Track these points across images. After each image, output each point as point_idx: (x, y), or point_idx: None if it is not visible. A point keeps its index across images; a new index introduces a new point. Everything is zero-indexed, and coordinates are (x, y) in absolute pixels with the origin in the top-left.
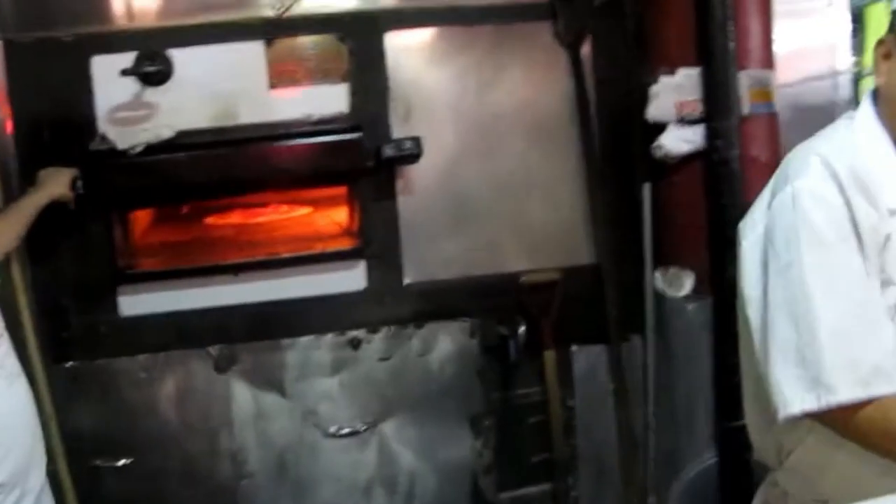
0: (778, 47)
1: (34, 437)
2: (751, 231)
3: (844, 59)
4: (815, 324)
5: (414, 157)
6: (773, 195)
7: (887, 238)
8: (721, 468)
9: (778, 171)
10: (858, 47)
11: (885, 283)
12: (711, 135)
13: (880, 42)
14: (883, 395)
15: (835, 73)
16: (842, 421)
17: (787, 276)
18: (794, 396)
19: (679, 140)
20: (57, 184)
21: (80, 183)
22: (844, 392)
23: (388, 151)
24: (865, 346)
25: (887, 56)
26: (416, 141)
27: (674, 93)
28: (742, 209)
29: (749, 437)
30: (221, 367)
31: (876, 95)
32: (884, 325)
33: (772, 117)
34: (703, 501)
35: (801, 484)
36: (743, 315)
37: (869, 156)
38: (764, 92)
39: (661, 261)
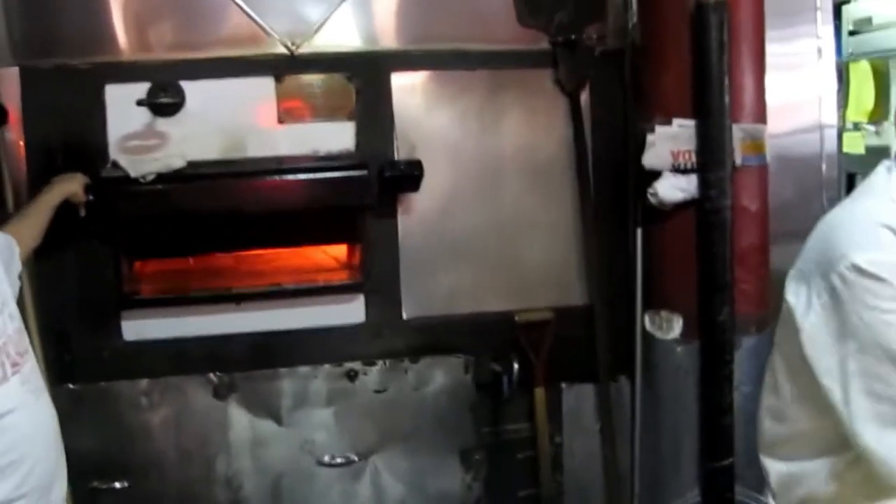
0: (768, 99)
1: (58, 451)
2: (811, 308)
3: (830, 113)
4: None
5: (414, 179)
6: (830, 269)
7: None
8: None
9: (824, 240)
10: (842, 102)
11: None
12: (704, 184)
13: None
14: None
15: (821, 126)
16: None
17: (873, 350)
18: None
19: (673, 188)
20: (70, 181)
21: (90, 193)
22: None
23: (388, 172)
24: None
25: None
26: (416, 164)
27: (669, 142)
28: (731, 256)
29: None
30: (220, 393)
31: None
32: None
33: (762, 169)
34: None
35: None
36: (811, 380)
37: None
38: (756, 144)
39: (652, 304)
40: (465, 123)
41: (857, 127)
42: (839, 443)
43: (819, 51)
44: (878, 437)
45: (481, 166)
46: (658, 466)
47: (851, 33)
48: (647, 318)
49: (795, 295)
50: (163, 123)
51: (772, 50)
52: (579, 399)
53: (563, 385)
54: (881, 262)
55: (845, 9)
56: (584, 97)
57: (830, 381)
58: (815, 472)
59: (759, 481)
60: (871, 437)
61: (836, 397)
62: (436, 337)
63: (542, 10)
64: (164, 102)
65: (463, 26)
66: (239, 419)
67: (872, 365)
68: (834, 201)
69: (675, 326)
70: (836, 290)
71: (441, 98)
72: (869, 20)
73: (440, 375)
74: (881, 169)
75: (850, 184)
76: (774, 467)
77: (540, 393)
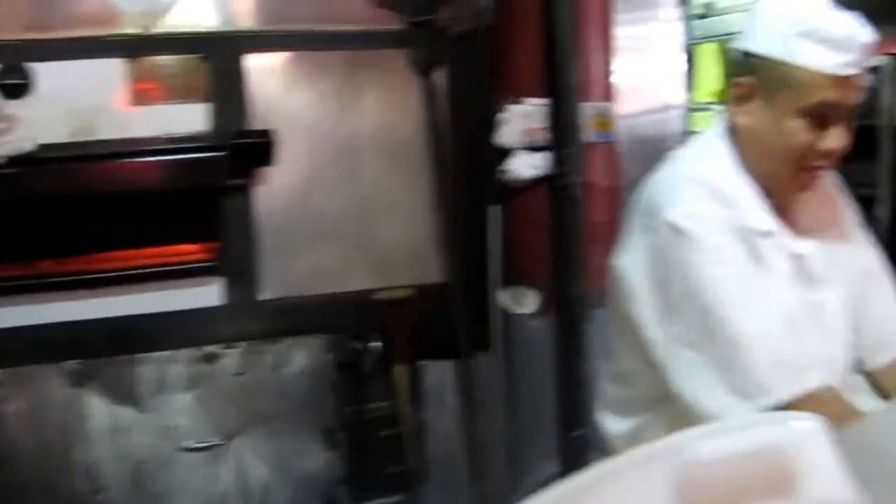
0: (618, 80)
1: None
2: (634, 264)
3: (678, 94)
4: (733, 336)
5: (265, 149)
6: (652, 224)
7: (758, 256)
8: (565, 476)
9: (644, 201)
10: (690, 83)
11: None
12: (556, 161)
13: (736, 83)
14: (814, 387)
15: (669, 107)
16: None
17: (695, 300)
18: (734, 406)
19: (526, 165)
20: None
21: None
22: (781, 391)
23: (237, 140)
24: (785, 344)
25: (746, 97)
26: (266, 132)
27: (522, 120)
28: (583, 231)
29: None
30: (76, 381)
31: (730, 132)
32: (798, 325)
33: (611, 145)
34: None
35: None
36: (636, 334)
37: (732, 185)
38: (604, 122)
39: (508, 280)
40: (322, 104)
41: (704, 107)
42: (670, 392)
43: (666, 34)
44: (691, 384)
45: (340, 147)
46: (519, 439)
47: (699, 17)
48: (503, 294)
49: (618, 255)
50: (11, 106)
51: (622, 33)
52: (440, 376)
53: (424, 363)
54: (693, 216)
55: None
56: (441, 77)
57: (653, 333)
58: (652, 423)
59: None
60: (687, 385)
61: (657, 348)
62: (296, 317)
63: None
64: (12, 84)
65: (318, 6)
66: (97, 407)
67: (689, 316)
68: None
69: (531, 301)
70: (652, 244)
71: (297, 79)
72: (714, 4)
73: (301, 356)
74: (706, 132)
75: None
76: (614, 425)
77: (400, 370)
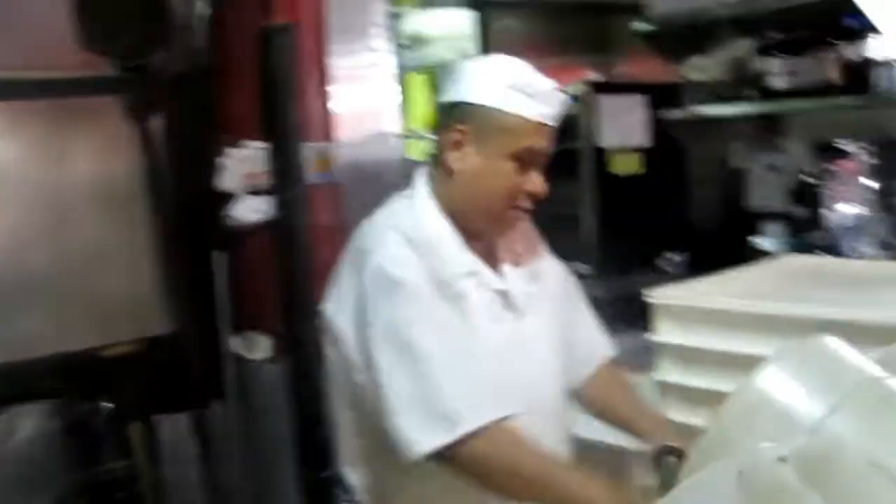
0: (338, 110)
1: None
2: (341, 307)
3: (393, 122)
4: (426, 369)
5: None
6: (358, 269)
7: (461, 296)
8: None
9: (352, 247)
10: (403, 111)
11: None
12: (280, 204)
13: (450, 131)
14: (501, 416)
15: (386, 135)
16: (464, 454)
17: (390, 333)
18: (422, 437)
19: (249, 210)
20: None
21: None
22: (469, 419)
23: None
24: (474, 376)
25: (460, 144)
26: None
27: (242, 164)
28: (310, 273)
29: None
30: None
31: (432, 174)
32: (503, 356)
33: (333, 185)
34: None
35: None
36: (350, 381)
37: (435, 231)
38: (324, 161)
39: (239, 326)
40: (29, 157)
41: (418, 135)
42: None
43: (378, 63)
44: (394, 422)
45: (52, 200)
46: (261, 484)
47: (406, 47)
48: (235, 341)
49: (328, 300)
50: None
51: (339, 63)
52: (176, 428)
53: (159, 417)
54: (395, 260)
55: (398, 24)
56: (158, 122)
57: (360, 376)
58: (385, 472)
59: None
60: (391, 423)
61: (369, 392)
62: (19, 383)
63: (107, 33)
64: None
65: (19, 53)
66: None
67: (389, 355)
68: None
69: (263, 346)
70: (357, 288)
71: (1, 131)
72: (419, 35)
73: (26, 424)
74: (398, 197)
75: None
76: (354, 477)
77: (136, 428)
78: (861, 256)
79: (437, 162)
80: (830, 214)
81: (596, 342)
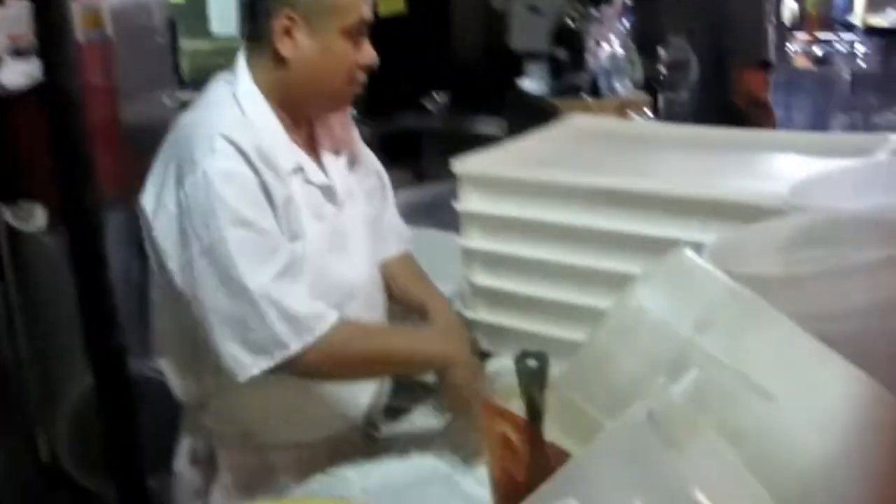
0: None
1: None
2: (161, 211)
3: None
4: (249, 294)
5: None
6: (181, 177)
7: (289, 199)
8: (100, 390)
9: (176, 148)
10: None
11: (293, 237)
12: (48, 66)
13: (274, 17)
14: (324, 334)
15: None
16: (301, 367)
17: (213, 256)
18: (249, 361)
19: (15, 73)
20: None
21: None
22: (294, 344)
23: None
24: (298, 298)
25: (288, 32)
26: None
27: (6, 24)
28: (86, 138)
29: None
30: None
31: (253, 62)
32: (304, 267)
33: (106, 44)
34: (86, 424)
35: (228, 420)
36: (168, 284)
37: (262, 127)
38: (96, 18)
39: (11, 197)
40: None
41: None
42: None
43: None
44: (214, 338)
45: None
46: (49, 360)
47: None
48: (7, 212)
49: (147, 198)
50: None
51: None
52: None
53: None
54: (221, 172)
55: None
56: None
57: (181, 284)
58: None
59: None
60: (211, 338)
61: (193, 307)
62: None
63: None
64: None
65: None
66: None
67: (207, 272)
68: None
69: (38, 217)
70: (179, 197)
71: None
72: None
73: None
74: (220, 83)
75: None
76: (180, 388)
77: None
78: (618, 95)
79: (259, 50)
80: (591, 56)
81: (395, 230)
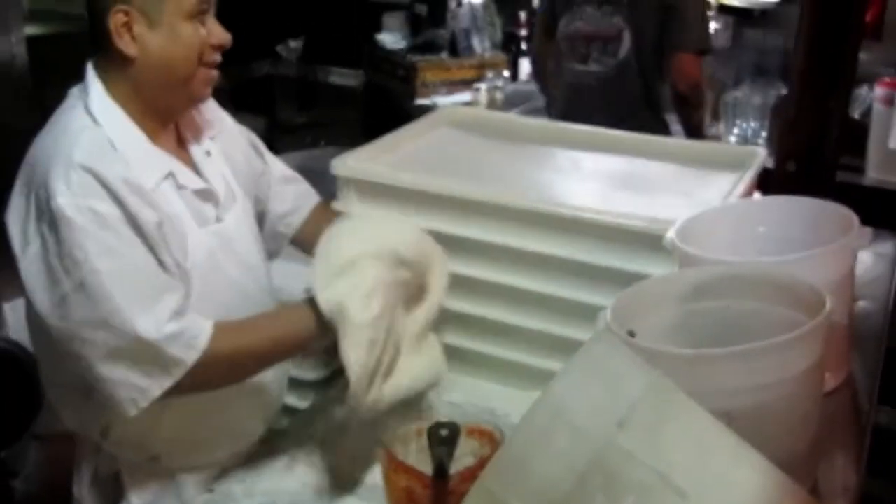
0: None
1: None
2: (28, 247)
3: None
4: (128, 324)
5: None
6: (40, 212)
7: (160, 222)
8: None
9: (34, 180)
10: None
11: (177, 254)
12: None
13: (108, 13)
14: (209, 340)
15: None
16: (188, 384)
17: (87, 291)
18: (131, 393)
19: None
20: None
21: None
22: (187, 359)
23: None
24: (176, 320)
25: (127, 27)
26: None
27: None
28: None
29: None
30: None
31: (101, 68)
32: (181, 284)
33: None
34: None
35: (132, 447)
36: (41, 325)
37: (120, 141)
38: None
39: None
40: None
41: None
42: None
43: None
44: (101, 374)
45: None
46: None
47: None
48: None
49: (13, 228)
50: None
51: None
52: None
53: None
54: (81, 208)
55: None
56: None
57: (57, 322)
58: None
59: None
60: (97, 375)
61: (60, 337)
62: None
63: None
64: None
65: None
66: None
67: (83, 307)
68: None
69: None
70: (44, 231)
71: None
72: None
73: None
74: (71, 100)
75: None
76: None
77: None
78: (473, 54)
79: (105, 56)
80: (451, 14)
81: (298, 191)
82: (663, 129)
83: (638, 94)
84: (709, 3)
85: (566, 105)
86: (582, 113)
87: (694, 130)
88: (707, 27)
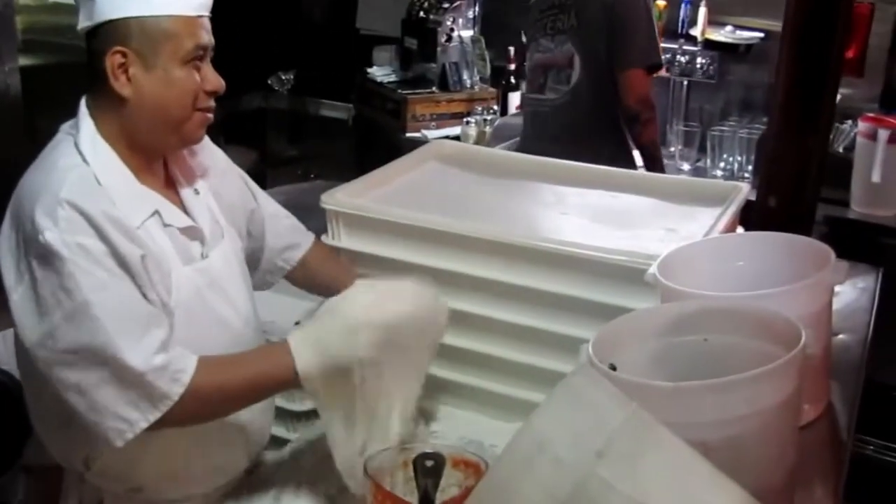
0: None
1: None
2: (15, 279)
3: None
4: (117, 354)
5: None
6: (28, 248)
7: (143, 257)
8: None
9: (21, 214)
10: None
11: (160, 289)
12: None
13: (104, 55)
14: (193, 374)
15: None
16: (173, 418)
17: (77, 321)
18: (118, 424)
19: None
20: None
21: None
22: (172, 394)
23: None
24: (164, 352)
25: (123, 69)
26: None
27: None
28: None
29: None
30: None
31: (93, 106)
32: (166, 320)
33: None
34: None
35: (115, 479)
36: (29, 357)
37: (107, 178)
38: None
39: None
40: None
41: None
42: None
43: None
44: (88, 407)
45: None
46: None
47: None
48: None
49: (5, 262)
50: None
51: None
52: None
53: None
54: (69, 245)
55: None
56: None
57: (46, 354)
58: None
59: None
60: (90, 409)
61: (48, 369)
62: None
63: None
64: None
65: None
66: None
67: (74, 341)
68: None
69: None
70: (32, 269)
71: None
72: None
73: None
74: (60, 136)
75: None
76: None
77: None
78: (463, 88)
79: (99, 94)
80: (441, 49)
81: (291, 226)
82: (623, 152)
83: (593, 116)
84: (654, 22)
85: (526, 133)
86: (540, 140)
87: (645, 149)
88: (656, 44)
